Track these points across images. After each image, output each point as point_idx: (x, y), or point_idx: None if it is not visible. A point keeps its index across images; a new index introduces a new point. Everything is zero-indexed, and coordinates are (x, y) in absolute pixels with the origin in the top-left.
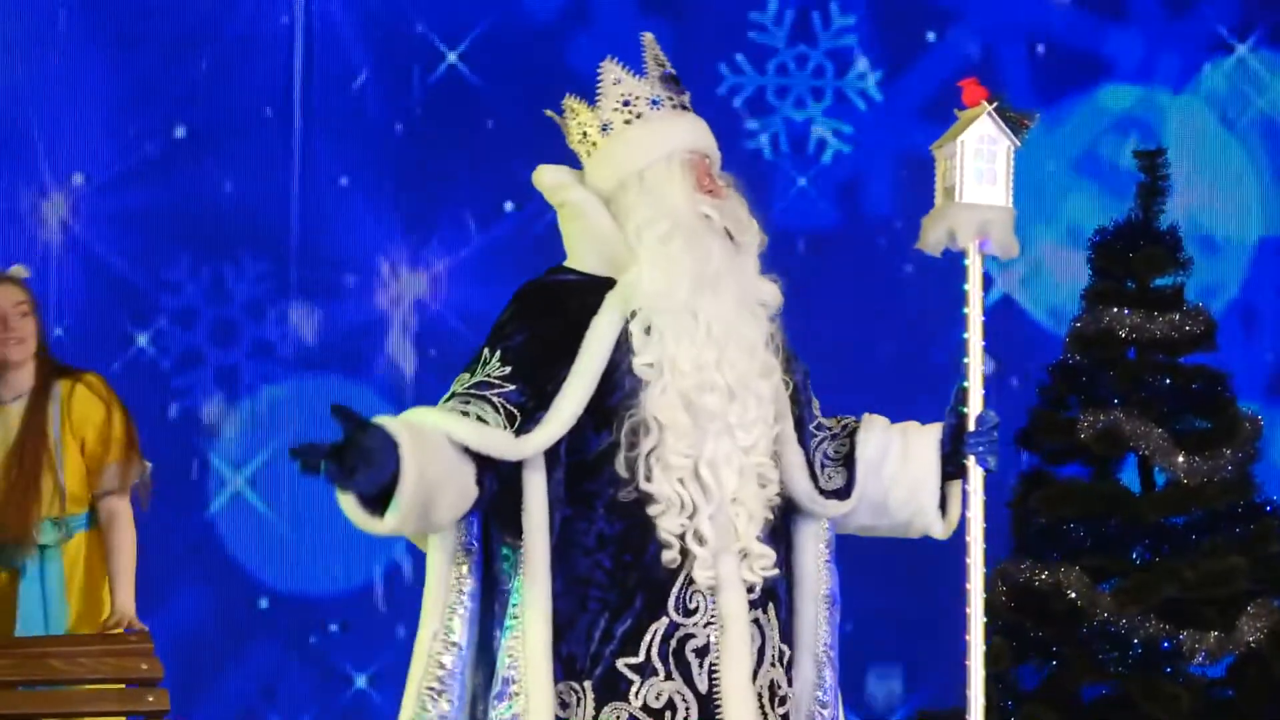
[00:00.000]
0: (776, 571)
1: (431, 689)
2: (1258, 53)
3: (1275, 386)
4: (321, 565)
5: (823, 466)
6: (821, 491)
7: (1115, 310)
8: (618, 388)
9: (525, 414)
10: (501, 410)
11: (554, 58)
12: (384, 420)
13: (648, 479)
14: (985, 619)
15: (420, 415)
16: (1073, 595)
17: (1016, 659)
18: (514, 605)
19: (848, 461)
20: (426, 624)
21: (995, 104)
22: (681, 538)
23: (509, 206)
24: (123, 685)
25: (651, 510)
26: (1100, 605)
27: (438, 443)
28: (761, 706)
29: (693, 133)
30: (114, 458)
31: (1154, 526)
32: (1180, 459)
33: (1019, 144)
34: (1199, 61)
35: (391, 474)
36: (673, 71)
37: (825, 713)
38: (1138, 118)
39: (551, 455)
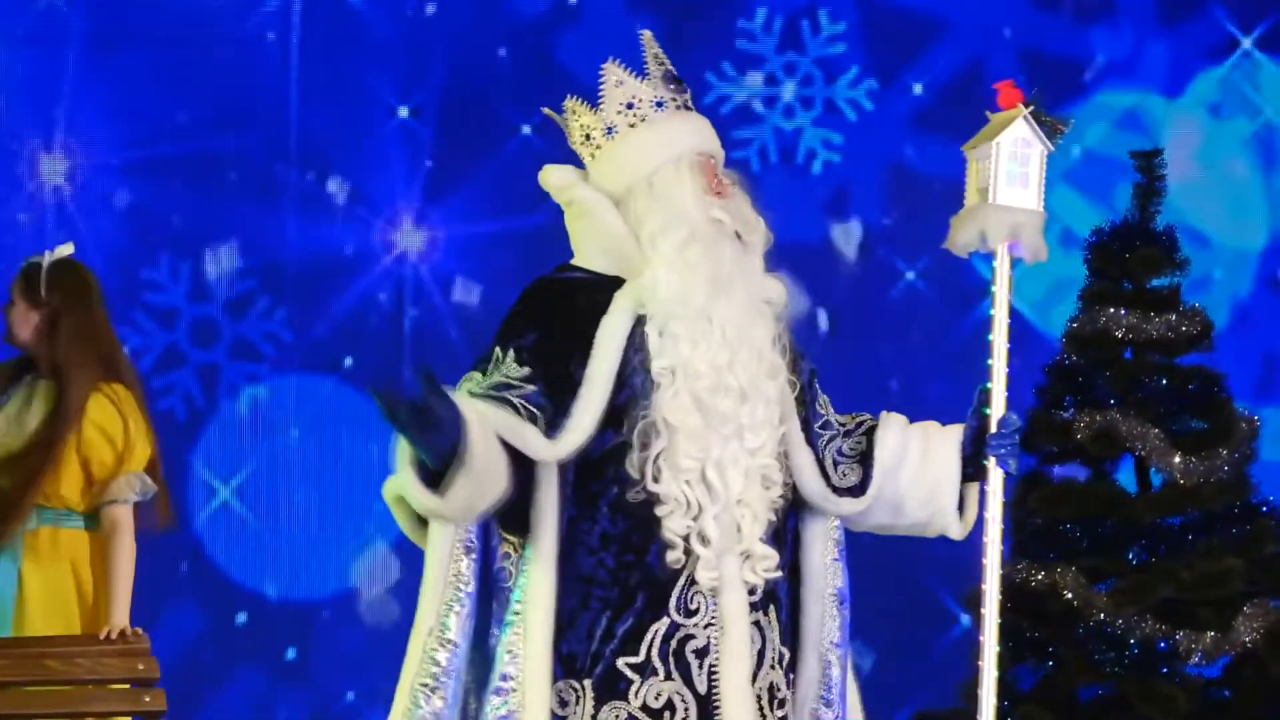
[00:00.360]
0: (779, 574)
1: (425, 685)
2: (1260, 55)
3: (1264, 386)
4: (311, 575)
5: (836, 464)
6: (835, 489)
7: (1111, 311)
8: (625, 386)
9: (546, 415)
10: (524, 411)
11: (543, 55)
12: (456, 397)
13: (655, 480)
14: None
15: (468, 400)
16: (1069, 596)
17: (1013, 659)
18: (516, 602)
19: (863, 459)
20: (422, 620)
21: (1031, 108)
22: (686, 538)
23: (506, 213)
24: (121, 685)
25: (659, 511)
26: (1096, 606)
27: (490, 430)
28: (761, 709)
29: (698, 134)
30: (127, 469)
31: (1150, 527)
32: (1177, 459)
33: (1052, 148)
34: (1197, 66)
35: (450, 447)
36: (673, 70)
37: (829, 712)
38: (1132, 123)
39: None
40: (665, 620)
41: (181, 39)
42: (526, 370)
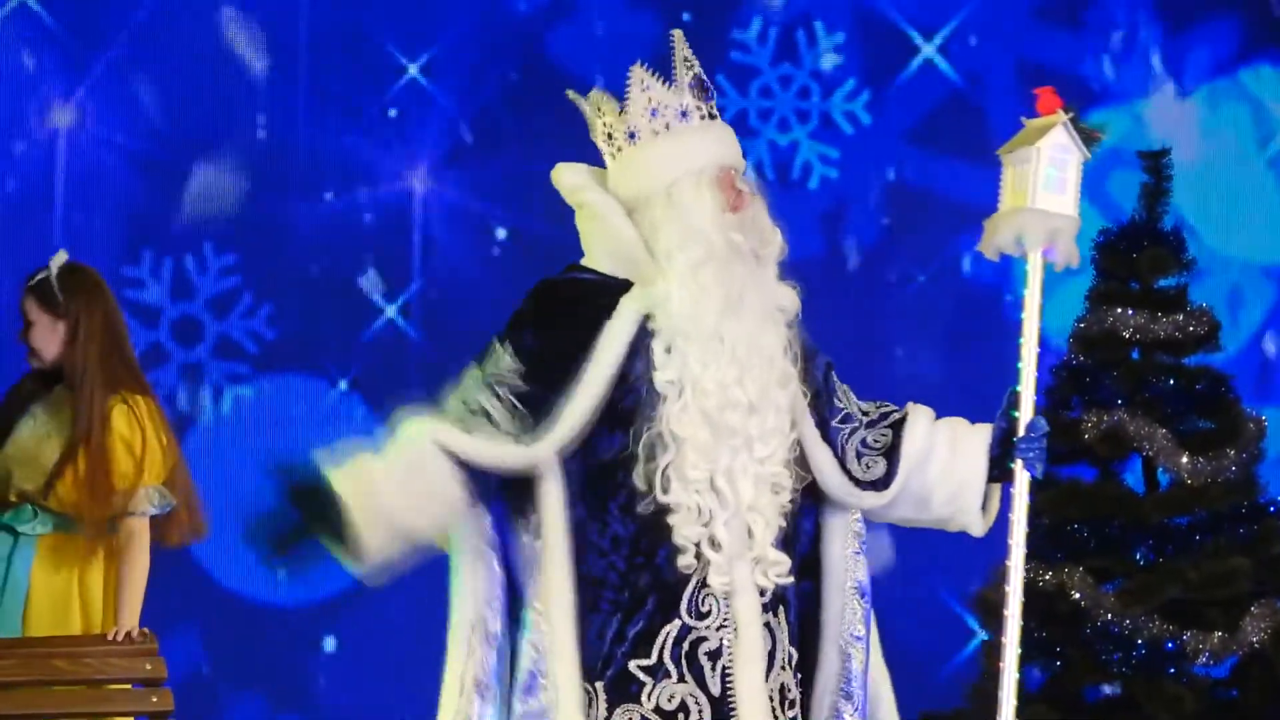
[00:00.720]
0: (791, 580)
1: (480, 682)
2: (1262, 67)
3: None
4: (304, 580)
5: (859, 455)
6: (858, 482)
7: (1119, 311)
8: (631, 392)
9: (534, 412)
10: (507, 404)
11: (535, 49)
12: (330, 476)
13: (665, 491)
14: (988, 619)
15: (411, 431)
16: (1076, 596)
17: (1020, 659)
18: (536, 599)
19: (889, 453)
20: (461, 618)
21: (1070, 115)
22: (697, 544)
23: (499, 229)
24: (128, 685)
25: (671, 519)
26: (1104, 606)
27: (390, 473)
28: (773, 709)
29: (720, 146)
30: (147, 482)
31: (1158, 527)
32: (1184, 460)
33: (1088, 156)
34: (1204, 76)
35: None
36: (701, 74)
37: (849, 705)
38: (1137, 135)
39: (568, 454)
40: (676, 623)
41: (179, 37)
42: (522, 367)
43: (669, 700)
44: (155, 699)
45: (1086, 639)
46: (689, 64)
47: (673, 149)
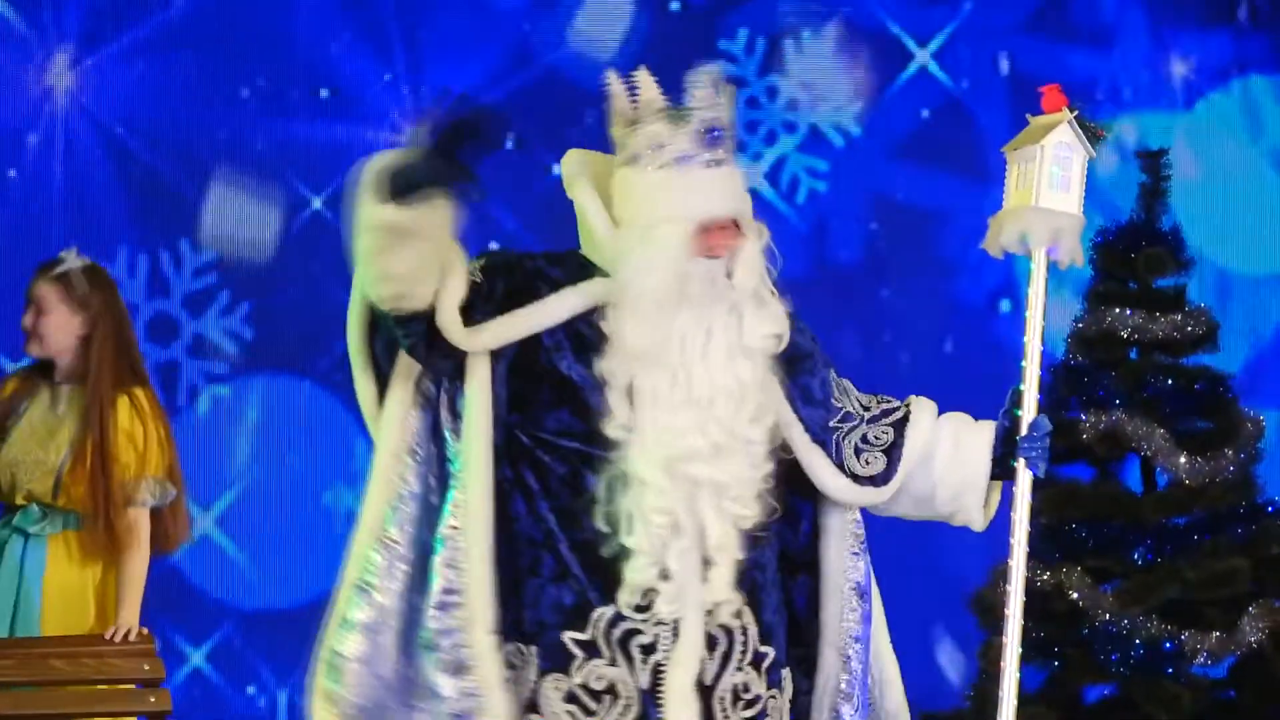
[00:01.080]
0: (739, 622)
1: (366, 584)
2: (1261, 75)
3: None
4: (286, 582)
5: (859, 451)
6: (856, 478)
7: (1117, 311)
8: (580, 369)
9: (473, 307)
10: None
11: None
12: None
13: (629, 533)
14: (987, 619)
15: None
16: (1075, 596)
17: (1019, 659)
18: (450, 516)
19: (890, 450)
20: (365, 522)
21: (1075, 113)
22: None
23: (484, 225)
24: (127, 685)
25: (628, 565)
26: (1102, 606)
27: (449, 238)
28: (724, 711)
29: (711, 202)
30: (149, 473)
31: (1156, 527)
32: (1182, 459)
33: (1093, 155)
34: (1198, 89)
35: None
36: (717, 119)
37: (848, 706)
38: (1134, 145)
39: (504, 377)
40: (611, 609)
41: (179, 38)
42: (479, 272)
43: (597, 680)
44: (154, 699)
45: (1084, 639)
46: (704, 106)
47: (664, 192)
